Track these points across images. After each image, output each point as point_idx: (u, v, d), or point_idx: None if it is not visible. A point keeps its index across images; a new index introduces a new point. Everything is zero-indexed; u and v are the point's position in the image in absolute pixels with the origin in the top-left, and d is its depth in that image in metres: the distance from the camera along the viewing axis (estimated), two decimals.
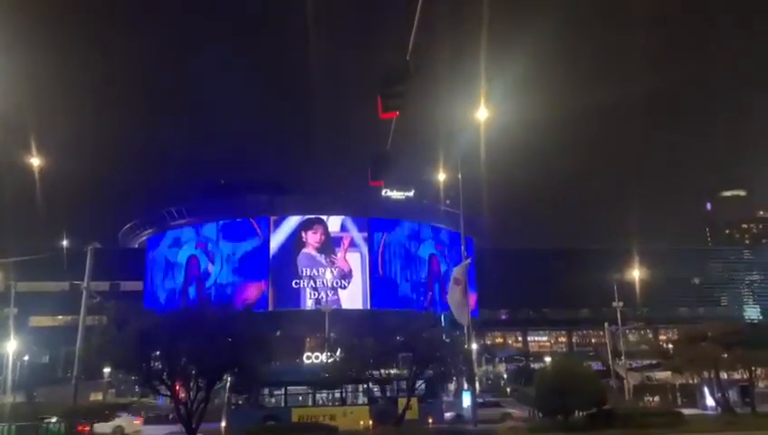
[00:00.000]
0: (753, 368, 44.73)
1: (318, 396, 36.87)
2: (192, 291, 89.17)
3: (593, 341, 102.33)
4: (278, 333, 57.41)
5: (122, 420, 39.07)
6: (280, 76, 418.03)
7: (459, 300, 39.99)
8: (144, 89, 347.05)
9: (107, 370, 50.57)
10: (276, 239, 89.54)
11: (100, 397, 66.98)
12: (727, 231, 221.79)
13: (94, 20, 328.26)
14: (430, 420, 32.41)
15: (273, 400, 36.44)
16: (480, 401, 41.97)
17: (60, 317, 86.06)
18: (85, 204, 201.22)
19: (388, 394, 36.02)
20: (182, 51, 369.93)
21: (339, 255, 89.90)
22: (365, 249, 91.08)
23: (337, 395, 36.78)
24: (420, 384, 36.57)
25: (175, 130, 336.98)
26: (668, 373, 57.88)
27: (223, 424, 34.53)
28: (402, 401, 34.53)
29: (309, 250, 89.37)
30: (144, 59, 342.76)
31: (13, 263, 50.50)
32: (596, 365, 73.68)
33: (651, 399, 54.38)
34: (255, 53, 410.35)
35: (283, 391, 36.08)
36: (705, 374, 44.83)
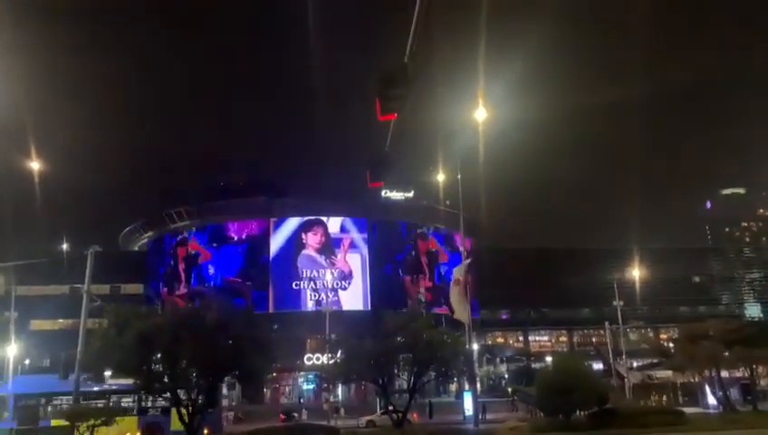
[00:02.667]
0: (754, 366, 44.82)
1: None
2: (192, 293, 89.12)
3: (594, 340, 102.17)
4: (275, 333, 57.27)
5: None
6: (279, 78, 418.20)
7: (459, 300, 40.14)
8: (144, 91, 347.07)
9: (108, 373, 50.58)
10: (276, 241, 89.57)
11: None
12: (727, 229, 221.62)
13: (94, 22, 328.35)
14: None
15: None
16: None
17: (60, 321, 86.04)
18: (85, 207, 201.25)
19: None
20: (182, 53, 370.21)
21: (339, 256, 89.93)
22: (365, 250, 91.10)
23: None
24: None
25: (175, 132, 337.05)
26: (669, 372, 57.93)
27: None
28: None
29: (309, 251, 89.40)
30: (144, 62, 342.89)
31: (13, 267, 50.50)
32: (597, 364, 73.80)
33: (654, 398, 54.43)
34: (255, 55, 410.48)
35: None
36: (707, 373, 44.84)
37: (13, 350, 53.73)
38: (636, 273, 76.94)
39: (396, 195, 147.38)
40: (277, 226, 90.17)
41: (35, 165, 42.44)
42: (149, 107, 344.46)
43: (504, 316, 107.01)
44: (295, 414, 55.27)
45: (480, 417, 43.27)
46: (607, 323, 68.92)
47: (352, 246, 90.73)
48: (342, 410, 56.49)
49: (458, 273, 40.72)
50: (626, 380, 59.10)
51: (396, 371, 36.47)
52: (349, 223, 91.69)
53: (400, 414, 35.24)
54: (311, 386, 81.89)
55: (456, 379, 48.13)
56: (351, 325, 50.18)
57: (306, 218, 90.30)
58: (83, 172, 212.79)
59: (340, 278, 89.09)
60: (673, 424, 32.75)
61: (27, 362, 74.78)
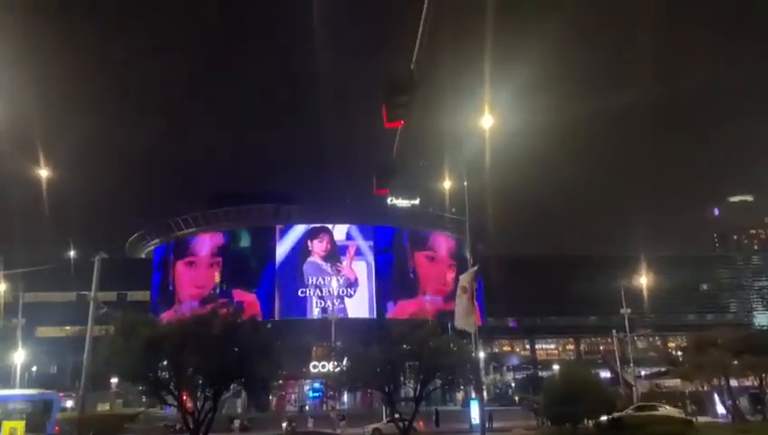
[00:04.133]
0: (763, 375, 44.38)
1: None
2: (198, 301, 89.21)
3: (601, 348, 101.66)
4: (281, 341, 57.19)
5: None
6: (286, 86, 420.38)
7: (466, 307, 39.83)
8: (152, 99, 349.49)
9: (114, 380, 50.75)
10: (282, 248, 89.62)
11: (107, 407, 67.09)
12: (735, 237, 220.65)
13: (101, 31, 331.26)
14: None
15: None
16: None
17: (67, 328, 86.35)
18: (92, 214, 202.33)
19: None
20: (190, 62, 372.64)
21: (344, 263, 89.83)
22: (371, 257, 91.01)
23: None
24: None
25: (182, 139, 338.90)
26: (678, 381, 57.49)
27: None
28: None
29: (315, 259, 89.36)
30: (152, 70, 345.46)
31: (20, 274, 50.77)
32: (604, 373, 73.40)
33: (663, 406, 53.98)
34: (261, 63, 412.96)
35: None
36: (715, 381, 44.47)
37: (20, 356, 53.90)
38: (643, 280, 76.48)
39: (402, 202, 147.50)
40: (283, 233, 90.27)
41: (43, 172, 42.52)
42: (157, 114, 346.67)
43: (510, 324, 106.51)
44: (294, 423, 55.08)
45: (487, 426, 43.02)
46: (614, 331, 68.55)
47: (358, 253, 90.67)
48: (347, 418, 56.25)
49: (465, 280, 40.46)
50: (634, 388, 58.71)
51: (402, 378, 36.32)
52: (354, 230, 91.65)
53: (406, 422, 35.12)
54: (316, 394, 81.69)
55: (462, 387, 47.93)
56: (357, 333, 50.14)
57: (312, 226, 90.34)
58: (91, 179, 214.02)
59: (346, 286, 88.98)
60: (681, 433, 32.45)
61: (34, 368, 75.02)
